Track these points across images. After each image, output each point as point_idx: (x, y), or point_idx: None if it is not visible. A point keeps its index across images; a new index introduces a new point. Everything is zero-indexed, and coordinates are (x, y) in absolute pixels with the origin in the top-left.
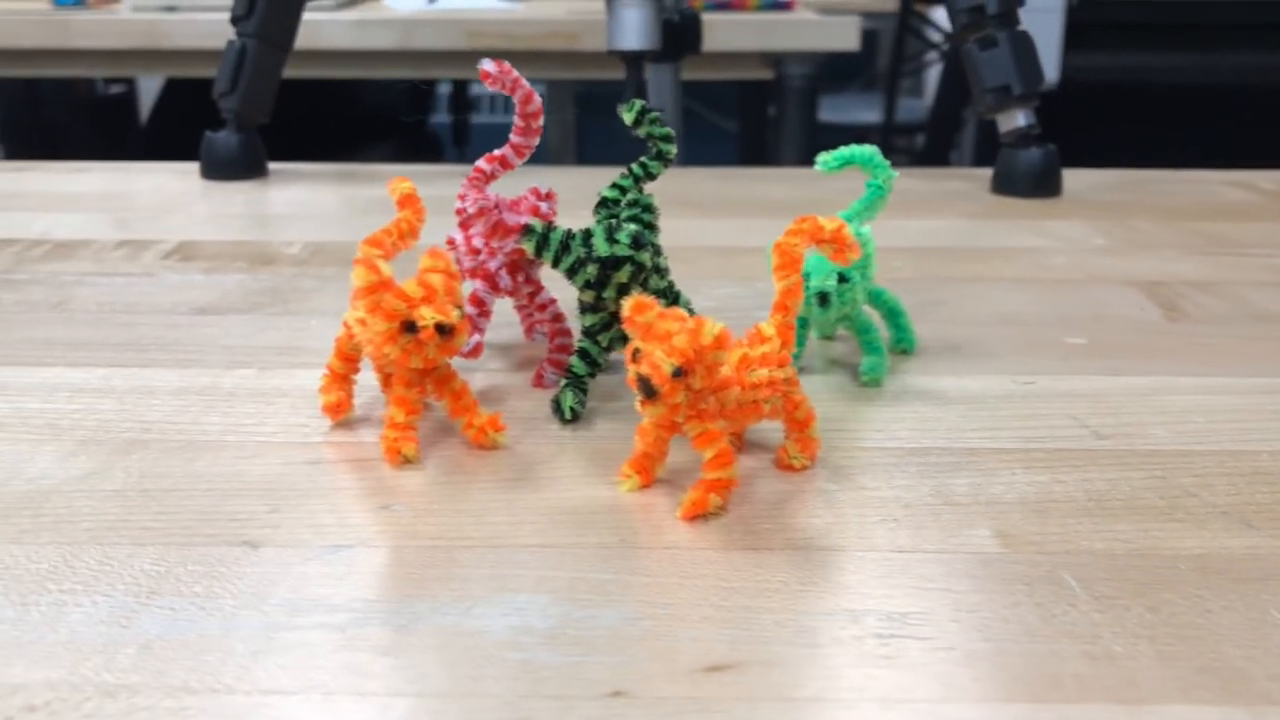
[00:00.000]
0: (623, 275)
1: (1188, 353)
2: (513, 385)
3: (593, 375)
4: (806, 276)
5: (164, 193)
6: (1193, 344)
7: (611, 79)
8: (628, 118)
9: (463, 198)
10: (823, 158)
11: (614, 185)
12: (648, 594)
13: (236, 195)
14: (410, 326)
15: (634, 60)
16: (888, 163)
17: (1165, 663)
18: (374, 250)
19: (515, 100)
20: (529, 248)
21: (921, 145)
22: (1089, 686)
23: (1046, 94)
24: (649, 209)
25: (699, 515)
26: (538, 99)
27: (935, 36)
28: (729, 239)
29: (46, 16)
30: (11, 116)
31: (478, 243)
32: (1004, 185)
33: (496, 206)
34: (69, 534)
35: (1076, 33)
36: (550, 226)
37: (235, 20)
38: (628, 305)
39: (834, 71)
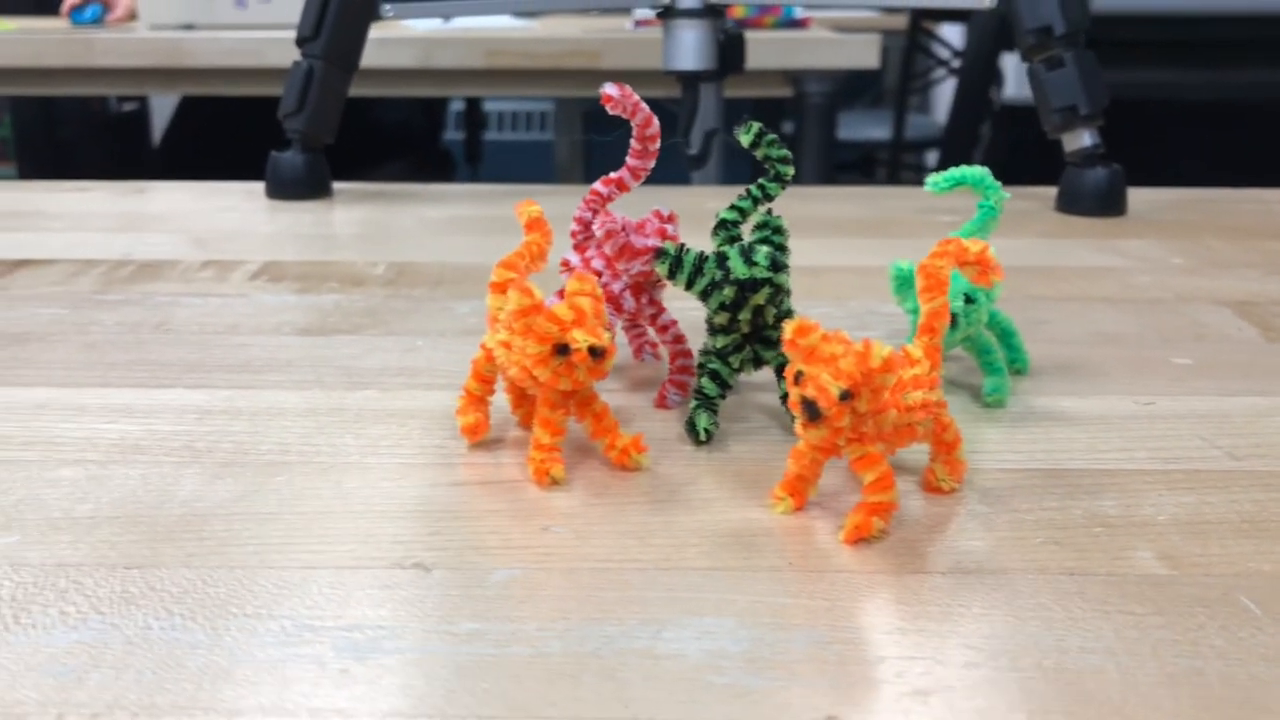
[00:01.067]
0: (760, 298)
1: None
2: (634, 406)
3: (723, 396)
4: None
5: (234, 213)
6: None
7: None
8: (745, 140)
9: (580, 220)
10: (933, 179)
11: (732, 207)
12: (832, 618)
13: (305, 215)
14: (563, 349)
15: (691, 81)
16: (999, 184)
17: None
18: (508, 273)
19: (634, 124)
20: (662, 270)
21: (937, 163)
22: None
23: None
24: (779, 230)
25: (862, 539)
26: (656, 122)
27: (944, 54)
28: (810, 258)
29: (68, 35)
30: (25, 135)
31: (597, 264)
32: (1070, 204)
33: (624, 229)
34: (237, 557)
35: None
36: (682, 249)
37: (301, 41)
38: (789, 328)
39: (843, 88)
